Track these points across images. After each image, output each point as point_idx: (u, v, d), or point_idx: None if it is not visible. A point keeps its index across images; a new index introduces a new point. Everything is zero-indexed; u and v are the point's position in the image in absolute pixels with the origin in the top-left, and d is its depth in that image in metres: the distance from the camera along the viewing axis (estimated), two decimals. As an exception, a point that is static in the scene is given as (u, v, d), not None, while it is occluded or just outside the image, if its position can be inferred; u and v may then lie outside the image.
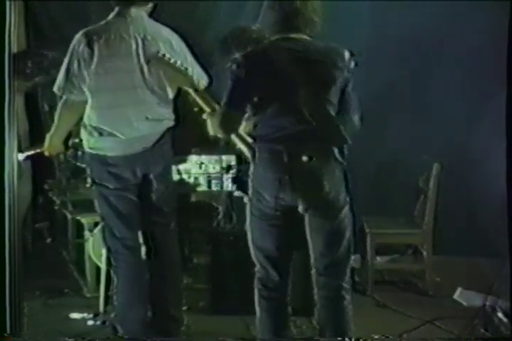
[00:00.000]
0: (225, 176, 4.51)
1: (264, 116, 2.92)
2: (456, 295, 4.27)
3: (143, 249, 3.40)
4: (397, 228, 4.52)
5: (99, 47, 3.21)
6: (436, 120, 4.84)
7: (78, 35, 3.26)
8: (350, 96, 2.99)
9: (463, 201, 4.80)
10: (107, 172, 3.32)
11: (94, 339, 3.63)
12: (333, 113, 2.93)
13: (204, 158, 4.56)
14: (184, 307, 3.70)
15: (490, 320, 3.62)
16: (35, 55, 4.09)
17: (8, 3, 3.06)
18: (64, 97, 3.33)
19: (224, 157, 4.50)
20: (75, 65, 3.24)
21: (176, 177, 4.32)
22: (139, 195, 3.40)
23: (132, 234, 3.40)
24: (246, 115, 2.95)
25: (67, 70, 3.26)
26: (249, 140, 3.03)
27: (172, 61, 3.07)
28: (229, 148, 4.06)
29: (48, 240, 5.13)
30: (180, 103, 3.43)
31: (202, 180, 4.55)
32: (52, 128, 3.45)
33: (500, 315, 3.61)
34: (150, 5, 3.35)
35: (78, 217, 4.44)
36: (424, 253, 4.43)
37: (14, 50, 3.20)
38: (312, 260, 3.04)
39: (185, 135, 3.72)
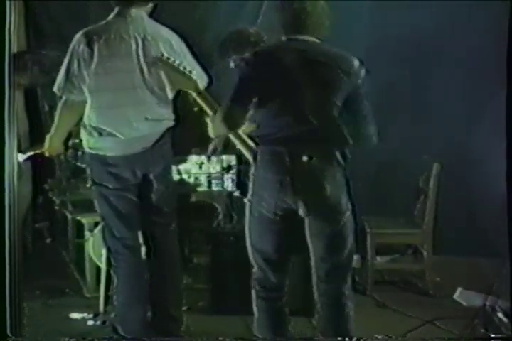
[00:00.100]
0: (225, 176, 4.51)
1: (266, 116, 2.92)
2: (456, 295, 4.27)
3: (143, 249, 3.40)
4: (397, 228, 4.52)
5: (99, 47, 3.21)
6: (436, 120, 4.84)
7: (78, 35, 3.26)
8: (363, 105, 2.96)
9: (463, 201, 4.80)
10: (106, 172, 3.32)
11: (94, 339, 3.63)
12: (336, 115, 2.92)
13: (204, 158, 4.56)
14: (184, 307, 3.70)
15: (490, 320, 3.62)
16: (35, 55, 4.09)
17: (8, 3, 3.06)
18: (64, 97, 3.32)
19: (224, 157, 4.50)
20: (75, 64, 3.24)
21: (176, 177, 4.32)
22: (138, 195, 3.40)
23: (132, 234, 3.40)
24: (249, 114, 2.94)
25: (67, 70, 3.26)
26: (250, 141, 3.03)
27: (176, 64, 3.06)
28: (229, 148, 4.07)
29: (48, 240, 5.12)
30: (180, 103, 3.43)
31: (202, 180, 4.55)
32: (52, 129, 3.45)
33: (500, 315, 3.61)
34: (150, 5, 3.36)
35: (78, 217, 4.44)
36: (424, 253, 4.43)
37: (14, 50, 3.20)
38: (313, 266, 3.03)
39: (185, 135, 3.73)
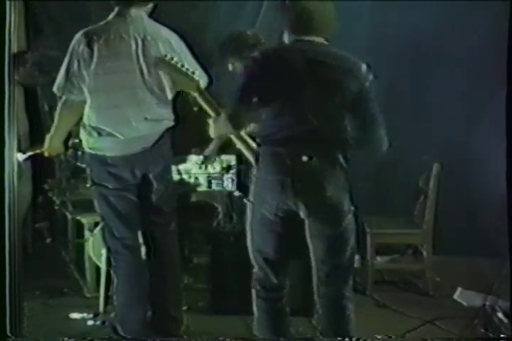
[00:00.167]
0: (225, 176, 4.51)
1: (268, 116, 2.91)
2: (456, 295, 4.27)
3: (143, 249, 3.41)
4: (397, 228, 4.52)
5: (99, 48, 3.21)
6: (436, 120, 4.83)
7: (78, 35, 3.26)
8: (371, 109, 2.94)
9: (463, 201, 4.79)
10: (106, 172, 3.32)
11: (94, 339, 3.63)
12: (340, 117, 2.90)
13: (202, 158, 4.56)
14: (184, 307, 3.70)
15: (490, 320, 3.62)
16: (35, 55, 4.09)
17: (8, 3, 3.06)
18: (64, 97, 3.32)
19: (224, 157, 4.50)
20: (75, 64, 3.24)
21: (176, 177, 4.32)
22: (138, 195, 3.40)
23: (132, 234, 3.40)
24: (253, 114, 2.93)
25: (67, 70, 3.26)
26: (251, 141, 3.03)
27: (179, 64, 3.05)
28: (229, 148, 4.07)
29: (48, 240, 5.13)
30: (180, 103, 3.43)
31: (202, 180, 4.55)
32: (52, 129, 3.45)
33: (500, 315, 3.61)
34: (150, 5, 3.36)
35: (78, 217, 4.44)
36: (424, 253, 4.42)
37: (14, 50, 3.20)
38: (313, 268, 3.02)
39: (185, 135, 3.73)
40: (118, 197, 3.36)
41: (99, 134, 3.29)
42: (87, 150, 3.38)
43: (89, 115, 3.30)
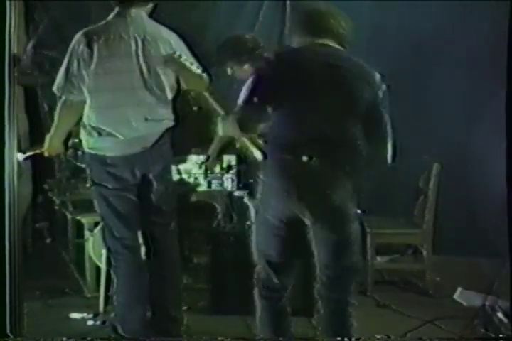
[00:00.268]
0: (225, 176, 4.50)
1: (279, 119, 2.86)
2: (456, 295, 4.27)
3: (142, 249, 3.40)
4: (397, 228, 4.52)
5: (99, 48, 3.21)
6: (436, 120, 4.83)
7: (78, 35, 3.26)
8: (385, 120, 2.91)
9: (463, 201, 4.79)
10: (106, 172, 3.32)
11: (94, 339, 3.63)
12: (350, 123, 2.86)
13: (204, 158, 4.55)
14: (184, 307, 3.70)
15: (490, 320, 3.61)
16: (35, 55, 4.09)
17: (8, 3, 3.06)
18: (63, 97, 3.32)
19: (224, 157, 4.50)
20: (75, 64, 3.24)
21: (175, 177, 4.31)
22: (138, 195, 3.40)
23: (132, 234, 3.40)
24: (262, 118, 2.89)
25: (67, 70, 3.26)
26: (259, 141, 3.01)
27: (188, 62, 3.01)
28: (229, 148, 4.07)
29: (48, 240, 5.13)
30: (180, 103, 3.43)
31: (202, 180, 4.55)
32: (52, 129, 3.44)
33: (500, 315, 3.61)
34: (150, 5, 3.35)
35: (78, 217, 4.44)
36: (424, 253, 4.43)
37: (14, 50, 3.19)
38: (317, 271, 3.01)
39: (185, 135, 3.72)
40: (118, 197, 3.36)
41: (99, 134, 3.29)
42: (87, 150, 3.38)
43: (89, 115, 3.31)
